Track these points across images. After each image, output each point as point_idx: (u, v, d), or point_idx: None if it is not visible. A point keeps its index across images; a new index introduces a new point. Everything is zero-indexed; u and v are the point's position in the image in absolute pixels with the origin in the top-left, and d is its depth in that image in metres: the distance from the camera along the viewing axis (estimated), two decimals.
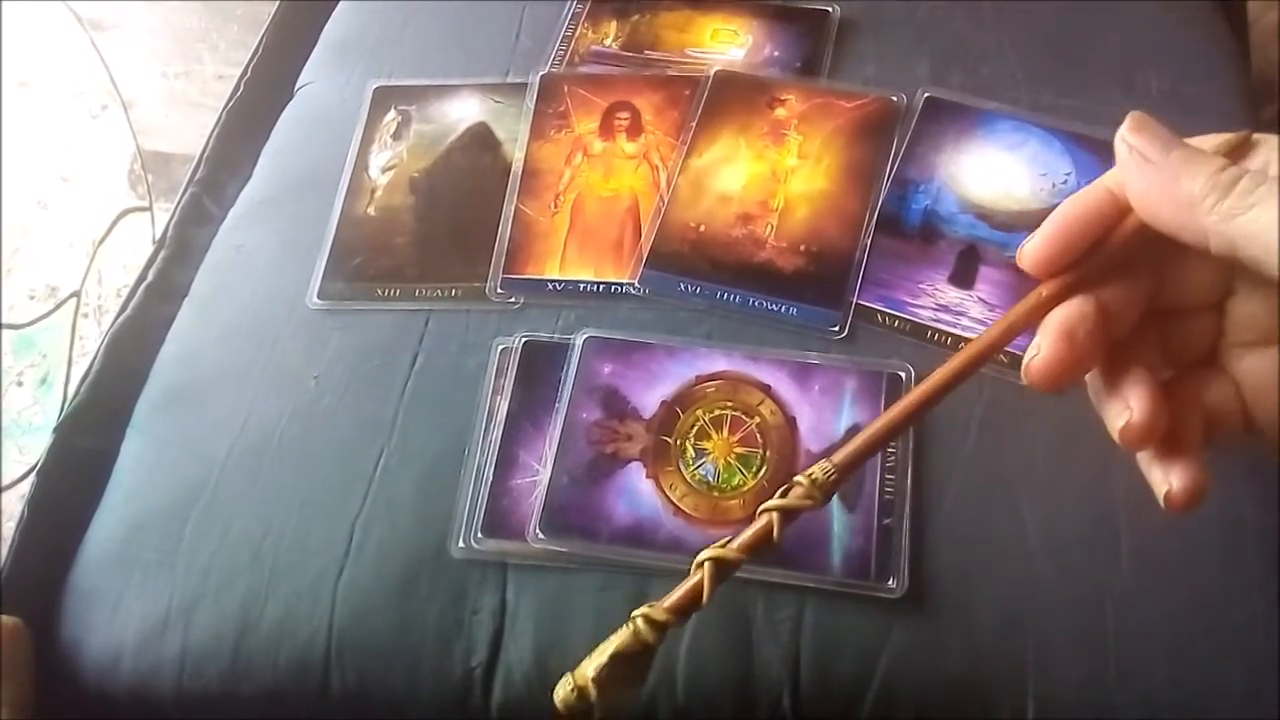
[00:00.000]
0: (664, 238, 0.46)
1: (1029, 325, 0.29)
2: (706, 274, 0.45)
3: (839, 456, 0.29)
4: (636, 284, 0.45)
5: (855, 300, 0.44)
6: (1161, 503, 0.30)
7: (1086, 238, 0.30)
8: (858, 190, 0.46)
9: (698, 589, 0.29)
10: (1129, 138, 0.28)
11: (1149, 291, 0.30)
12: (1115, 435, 0.30)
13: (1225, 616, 0.37)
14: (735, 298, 0.44)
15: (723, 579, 0.29)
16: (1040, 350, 0.29)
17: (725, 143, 0.48)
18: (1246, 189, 0.26)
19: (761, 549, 0.29)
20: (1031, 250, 0.30)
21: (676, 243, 0.46)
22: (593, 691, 0.29)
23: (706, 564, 0.29)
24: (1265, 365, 0.30)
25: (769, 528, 0.29)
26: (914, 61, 0.51)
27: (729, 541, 0.29)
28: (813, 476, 0.29)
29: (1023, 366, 0.29)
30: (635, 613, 0.29)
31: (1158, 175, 0.28)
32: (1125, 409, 0.30)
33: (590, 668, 0.29)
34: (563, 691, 0.29)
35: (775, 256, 0.45)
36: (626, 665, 0.29)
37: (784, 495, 0.29)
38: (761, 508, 0.29)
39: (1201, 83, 0.49)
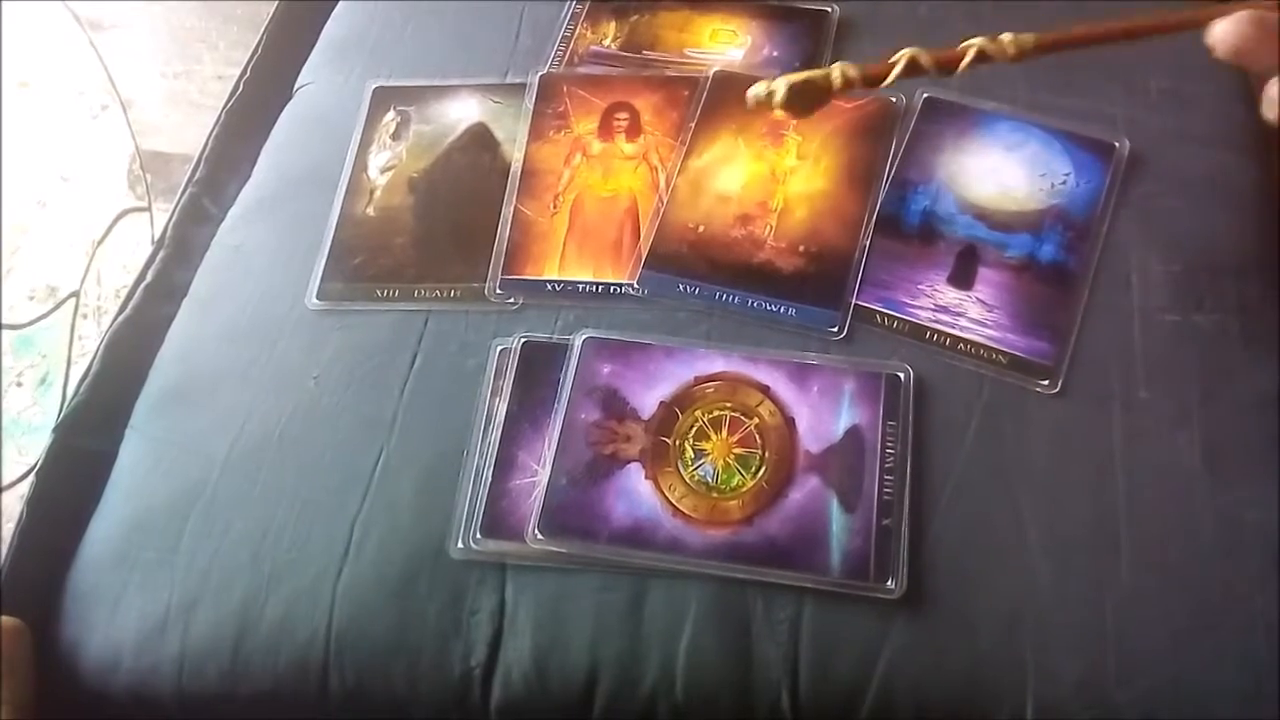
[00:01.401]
0: (663, 238, 0.46)
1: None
2: (705, 275, 0.45)
3: (1044, 36, 0.38)
4: (635, 285, 0.45)
5: (854, 301, 0.44)
6: None
7: None
8: (856, 191, 0.46)
9: (887, 70, 0.38)
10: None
11: None
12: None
13: (1225, 616, 0.37)
14: (734, 298, 0.44)
15: (910, 74, 0.37)
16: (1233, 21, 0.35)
17: (724, 143, 0.48)
18: None
19: (951, 68, 0.38)
20: None
21: (675, 243, 0.46)
22: (779, 96, 0.38)
23: (905, 56, 0.37)
24: None
25: (963, 52, 0.38)
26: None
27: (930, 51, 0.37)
28: (1018, 37, 0.37)
29: (1208, 33, 0.35)
30: (836, 64, 0.38)
31: None
32: None
33: (785, 81, 0.38)
34: (758, 89, 0.38)
35: (774, 257, 0.45)
36: (808, 93, 0.38)
37: (991, 39, 0.37)
38: (971, 42, 0.38)
39: (1201, 83, 0.49)
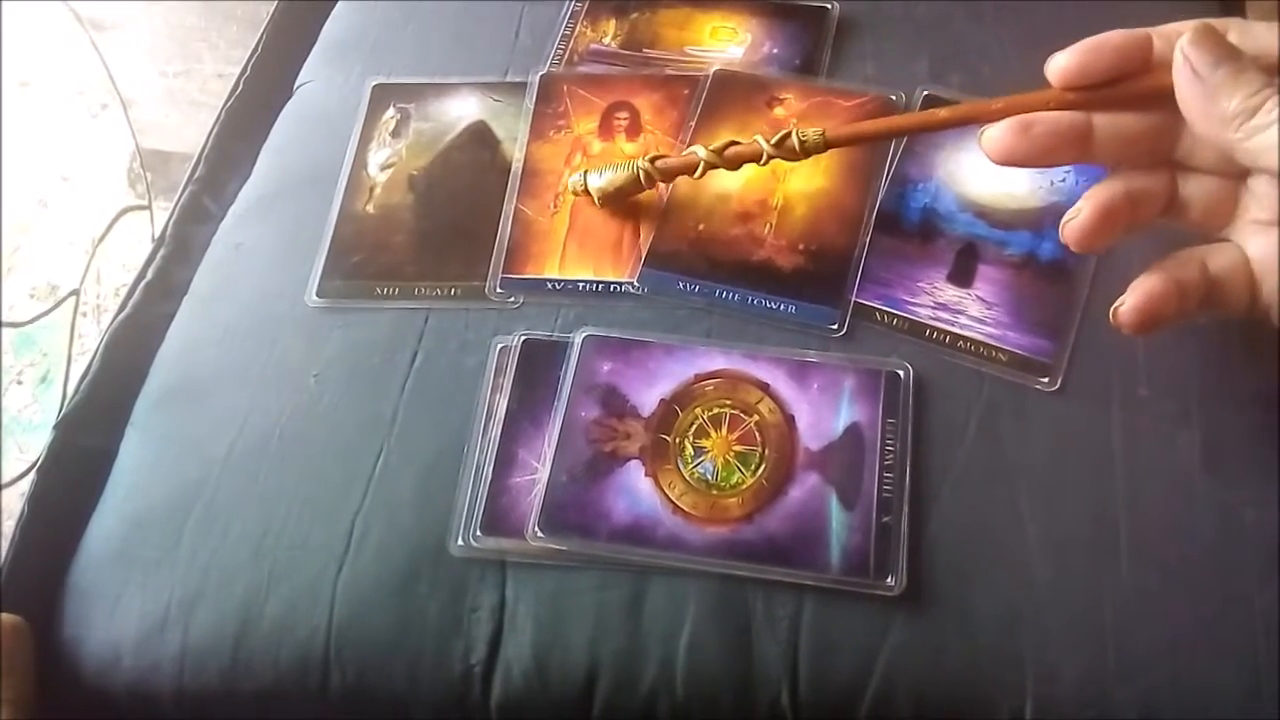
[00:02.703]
0: (663, 237, 0.46)
1: (1027, 110, 0.36)
2: (705, 273, 0.45)
3: (832, 131, 0.42)
4: (635, 283, 0.45)
5: (854, 299, 0.44)
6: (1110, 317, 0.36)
7: (1114, 66, 0.35)
8: (856, 188, 0.46)
9: (691, 166, 0.44)
10: (1186, 48, 0.33)
11: (1171, 190, 0.36)
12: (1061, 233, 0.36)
13: (1225, 615, 0.37)
14: (734, 296, 0.44)
15: (710, 168, 0.43)
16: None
17: (724, 142, 0.48)
18: (1270, 108, 0.30)
19: (747, 162, 0.43)
20: (1060, 58, 0.36)
21: (676, 242, 0.46)
22: (595, 197, 0.46)
23: (706, 156, 0.43)
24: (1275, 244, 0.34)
25: (759, 151, 0.42)
26: (913, 60, 0.51)
27: (726, 148, 0.43)
28: (804, 135, 0.42)
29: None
30: (641, 161, 0.45)
31: (1200, 89, 0.33)
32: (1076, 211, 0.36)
33: (600, 181, 0.46)
34: (574, 183, 0.47)
35: (774, 255, 0.45)
36: (619, 195, 0.46)
37: (777, 145, 0.42)
38: (756, 137, 0.42)
39: None
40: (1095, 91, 0.36)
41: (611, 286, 0.45)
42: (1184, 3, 0.53)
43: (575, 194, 0.46)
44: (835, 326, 0.43)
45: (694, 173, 0.44)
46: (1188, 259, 0.35)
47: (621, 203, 0.46)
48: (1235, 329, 0.42)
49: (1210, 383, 0.41)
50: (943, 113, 0.40)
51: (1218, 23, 0.33)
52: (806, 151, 0.42)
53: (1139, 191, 0.36)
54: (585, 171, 0.46)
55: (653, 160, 0.45)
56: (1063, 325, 0.42)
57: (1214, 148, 0.34)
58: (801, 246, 0.45)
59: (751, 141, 0.43)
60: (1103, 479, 0.39)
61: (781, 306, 0.44)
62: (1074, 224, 0.36)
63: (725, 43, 0.53)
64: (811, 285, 0.44)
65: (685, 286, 0.44)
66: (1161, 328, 0.35)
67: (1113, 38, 0.35)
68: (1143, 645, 0.36)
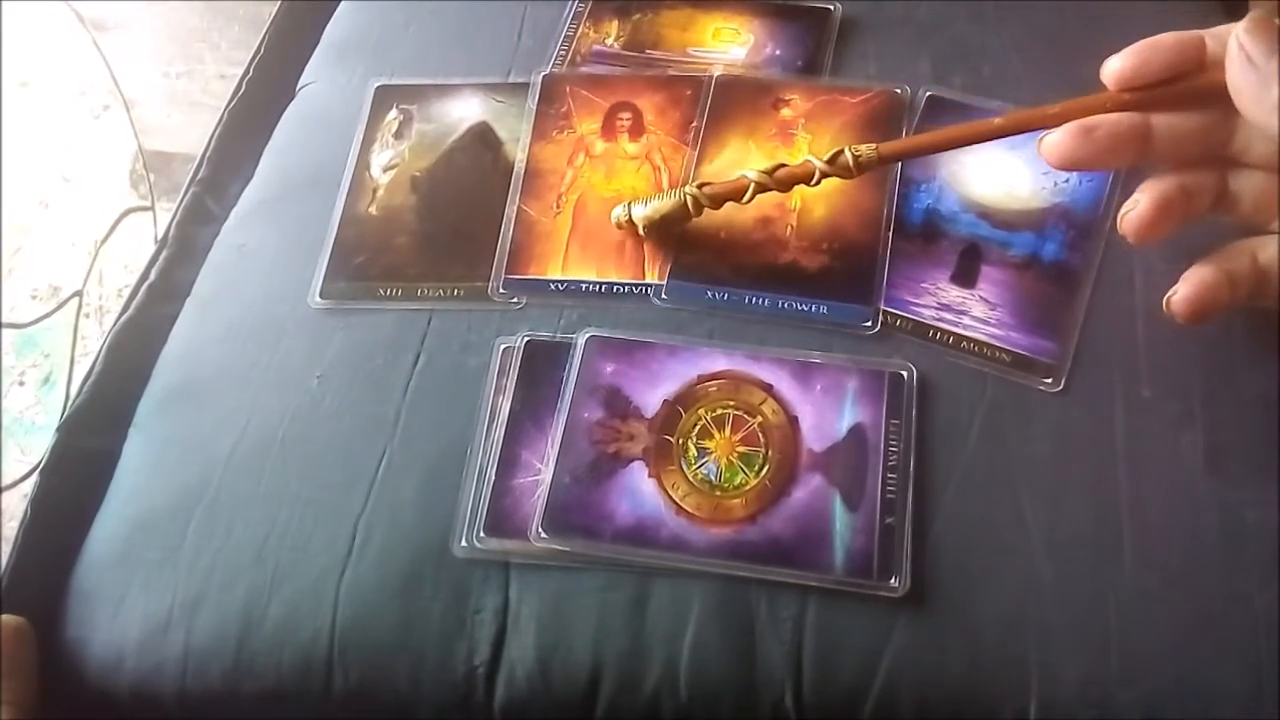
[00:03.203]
0: (685, 247, 0.46)
1: (1086, 113, 0.37)
2: (732, 280, 0.45)
3: (885, 146, 0.42)
4: (663, 295, 0.45)
5: (884, 294, 0.44)
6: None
7: (1168, 66, 0.36)
8: (873, 185, 0.46)
9: (740, 190, 0.43)
10: (1241, 36, 0.35)
11: (1223, 185, 0.37)
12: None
13: (1226, 616, 0.37)
14: (764, 301, 0.44)
15: (760, 191, 0.43)
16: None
17: (735, 147, 0.48)
18: None
19: (799, 183, 0.43)
20: (1115, 61, 0.37)
21: (698, 251, 0.46)
22: (640, 227, 0.45)
23: (756, 178, 0.43)
24: None
25: (810, 171, 0.42)
26: (915, 60, 0.51)
27: (776, 170, 0.43)
28: (857, 152, 0.41)
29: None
30: (689, 188, 0.44)
31: (1255, 77, 0.34)
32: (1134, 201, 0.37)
33: (645, 211, 0.45)
34: (618, 215, 0.45)
35: (799, 257, 0.45)
36: (666, 224, 0.45)
37: (830, 162, 0.42)
38: (808, 156, 0.43)
39: None
40: (1151, 92, 0.37)
41: (614, 287, 0.45)
42: (1184, 3, 0.53)
43: (620, 226, 0.45)
44: (869, 324, 0.43)
45: (742, 197, 0.43)
46: (1238, 251, 0.37)
47: (668, 232, 0.45)
48: (1238, 330, 0.42)
49: (1213, 384, 0.41)
50: (998, 121, 0.40)
51: (1270, 9, 0.33)
52: (860, 168, 0.42)
53: (1192, 185, 0.37)
54: (629, 203, 0.45)
55: (700, 187, 0.44)
56: (1066, 326, 0.42)
57: (1266, 142, 0.35)
58: (825, 246, 0.45)
59: (803, 161, 0.42)
60: (1106, 480, 0.39)
61: (813, 308, 0.43)
62: (1132, 215, 0.37)
63: (728, 44, 0.53)
64: (840, 284, 0.44)
65: (713, 295, 0.44)
66: (1212, 318, 0.37)
67: (1166, 39, 0.36)
68: (1145, 646, 0.36)
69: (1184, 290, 0.37)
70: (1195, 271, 0.37)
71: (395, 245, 0.48)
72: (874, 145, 0.41)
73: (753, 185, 0.43)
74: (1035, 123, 0.39)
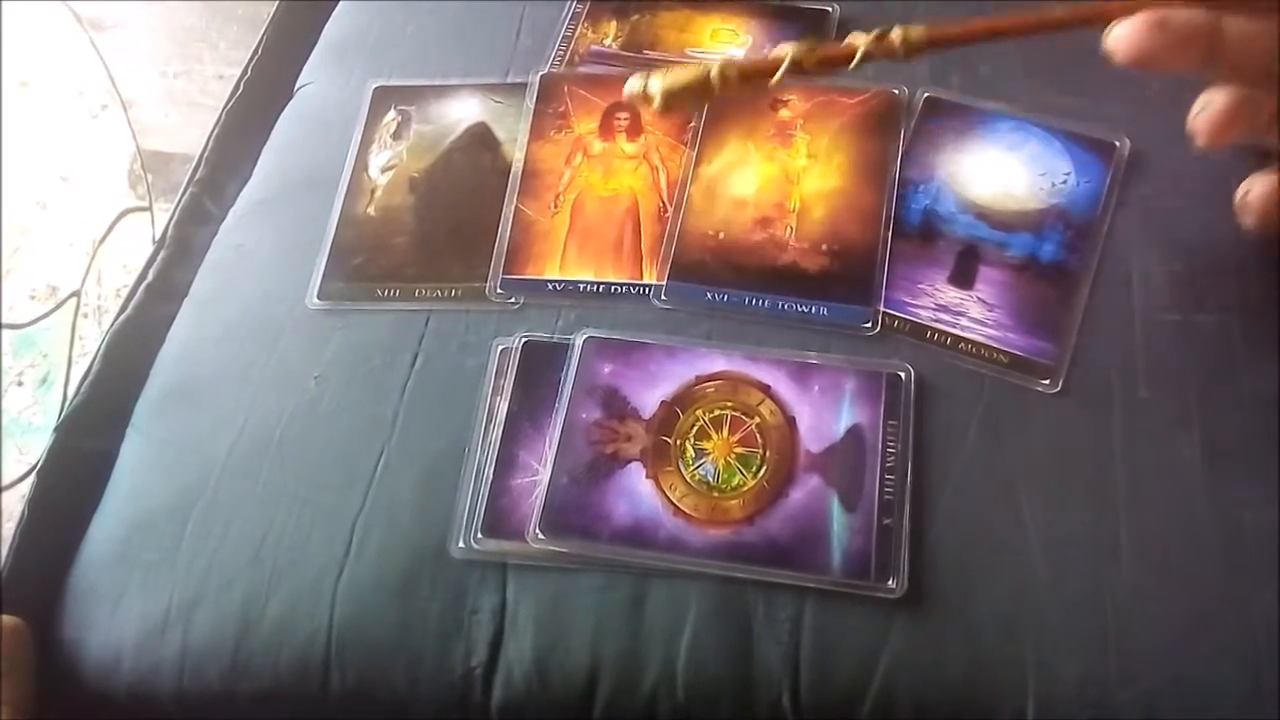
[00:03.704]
0: (684, 248, 0.46)
1: (1153, 4, 0.34)
2: (731, 281, 0.45)
3: (936, 29, 0.37)
4: (662, 296, 0.44)
5: (884, 296, 0.44)
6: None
7: None
8: (871, 185, 0.46)
9: (774, 67, 0.37)
10: None
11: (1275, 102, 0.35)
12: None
13: (1225, 616, 0.37)
14: (764, 302, 0.44)
15: (792, 72, 0.37)
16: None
17: (733, 148, 0.48)
18: None
19: (837, 66, 0.37)
20: None
21: (697, 252, 0.46)
22: (656, 103, 0.37)
23: (793, 53, 0.37)
24: None
25: (852, 51, 0.37)
26: (913, 61, 0.51)
27: (815, 47, 0.37)
28: (908, 32, 0.37)
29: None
30: (719, 63, 0.37)
31: None
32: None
33: (661, 86, 0.37)
34: (635, 84, 0.38)
35: (799, 258, 0.45)
36: (686, 96, 0.38)
37: (878, 39, 0.37)
38: (852, 36, 0.37)
39: (1203, 81, 0.49)
40: None
41: (612, 288, 0.45)
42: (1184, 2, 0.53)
43: (631, 99, 0.39)
44: (869, 325, 0.43)
45: (774, 76, 0.37)
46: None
47: (685, 108, 0.40)
48: (1236, 331, 0.42)
49: (1211, 384, 0.41)
50: (1059, 12, 0.37)
51: None
52: (910, 50, 0.37)
53: (1253, 99, 0.36)
54: (647, 74, 0.38)
55: (728, 63, 0.38)
56: (1063, 327, 0.42)
57: None
58: (825, 247, 0.45)
59: (846, 43, 0.38)
60: (1103, 480, 0.39)
61: (813, 309, 0.43)
62: (1205, 116, 0.36)
63: (726, 45, 0.53)
64: (840, 285, 0.44)
65: (713, 297, 0.44)
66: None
67: None
68: (1143, 646, 0.36)
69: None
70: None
71: (393, 246, 0.48)
72: (924, 28, 0.37)
73: (788, 61, 0.37)
74: (1101, 14, 0.35)
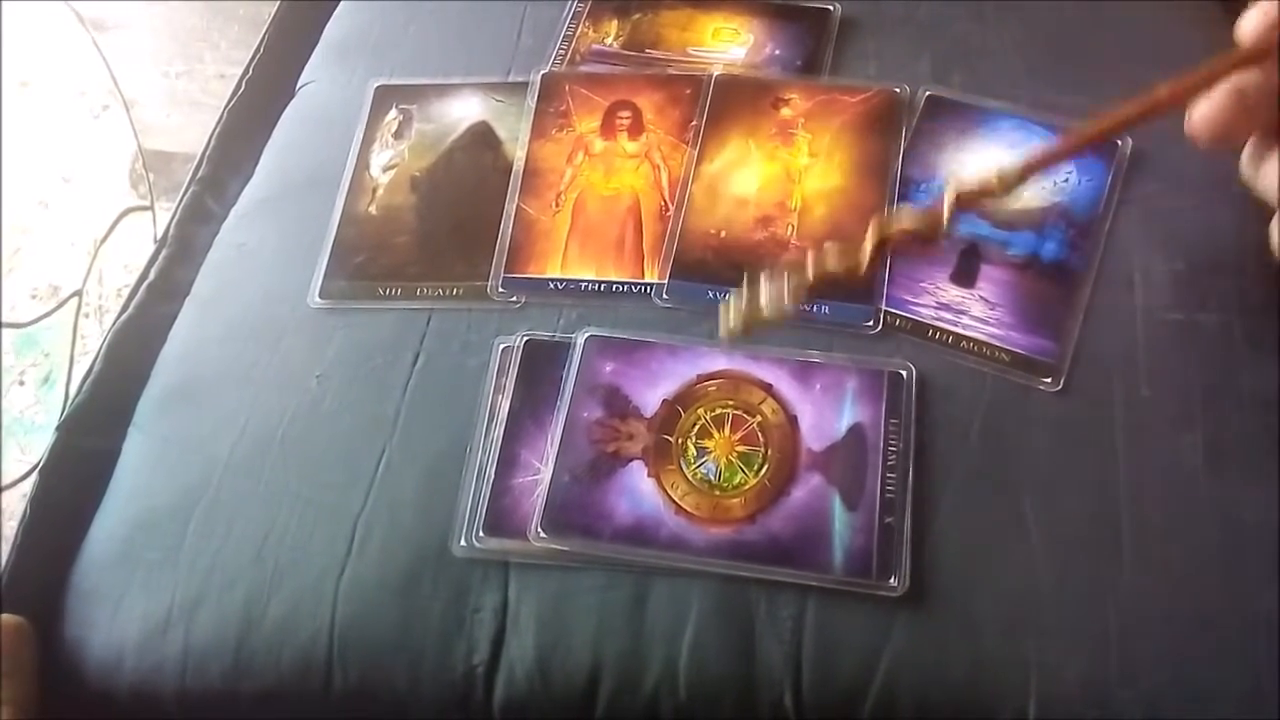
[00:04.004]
0: (685, 247, 0.46)
1: (1216, 80, 0.33)
2: (733, 279, 0.44)
3: (1028, 162, 0.37)
4: (664, 295, 0.44)
5: (885, 293, 0.43)
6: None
7: None
8: (873, 183, 0.46)
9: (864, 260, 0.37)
10: None
11: None
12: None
13: (1226, 616, 0.37)
14: None
15: (883, 251, 0.37)
16: (1212, 100, 0.33)
17: (734, 146, 0.48)
18: None
19: (933, 232, 0.36)
20: (1251, 17, 0.33)
21: (699, 250, 0.46)
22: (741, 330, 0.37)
23: (873, 230, 0.36)
24: None
25: (939, 218, 0.36)
26: (915, 60, 0.51)
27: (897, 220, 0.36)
28: (1001, 172, 0.36)
29: (1188, 118, 0.34)
30: (810, 270, 0.37)
31: None
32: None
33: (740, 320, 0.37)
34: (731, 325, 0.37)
35: (800, 257, 0.45)
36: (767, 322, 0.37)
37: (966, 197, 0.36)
38: (951, 187, 0.36)
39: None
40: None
41: (614, 286, 0.45)
42: (1184, 2, 0.53)
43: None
44: (871, 323, 0.43)
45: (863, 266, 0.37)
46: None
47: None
48: (1237, 330, 0.42)
49: (1212, 384, 0.41)
50: (1133, 107, 0.36)
51: None
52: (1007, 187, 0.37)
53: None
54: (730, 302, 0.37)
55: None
56: (1065, 325, 0.42)
57: None
58: (826, 246, 0.45)
59: (930, 210, 0.37)
60: (1105, 479, 0.39)
61: (814, 308, 0.43)
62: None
63: (727, 44, 0.53)
64: (841, 285, 0.44)
65: (714, 295, 0.44)
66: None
67: None
68: (1145, 646, 0.36)
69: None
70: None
71: (395, 245, 0.48)
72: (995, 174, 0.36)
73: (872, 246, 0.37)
74: (1170, 97, 0.34)
